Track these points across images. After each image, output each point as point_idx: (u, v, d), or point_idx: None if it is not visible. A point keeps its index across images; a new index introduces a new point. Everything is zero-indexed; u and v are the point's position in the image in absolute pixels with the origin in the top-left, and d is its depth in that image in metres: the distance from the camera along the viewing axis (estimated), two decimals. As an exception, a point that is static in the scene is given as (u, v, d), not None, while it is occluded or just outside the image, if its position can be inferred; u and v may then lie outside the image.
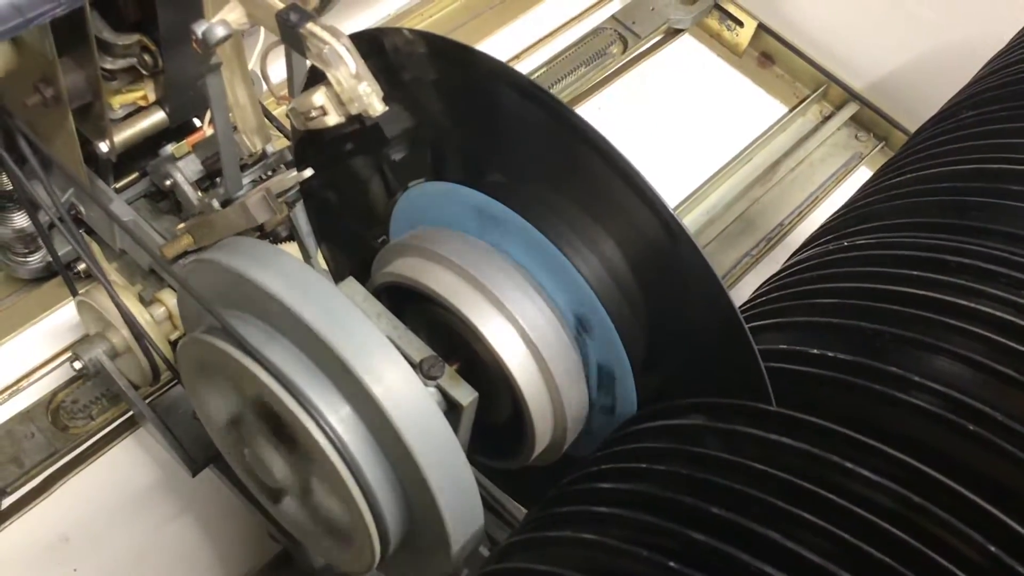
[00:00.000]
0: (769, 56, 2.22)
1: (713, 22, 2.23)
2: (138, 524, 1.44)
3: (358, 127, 0.96)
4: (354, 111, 0.88)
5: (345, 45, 0.86)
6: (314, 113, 0.89)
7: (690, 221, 1.89)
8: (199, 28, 0.95)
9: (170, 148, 1.37)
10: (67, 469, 1.46)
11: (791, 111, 2.13)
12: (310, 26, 0.87)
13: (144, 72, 1.30)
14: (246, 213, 1.13)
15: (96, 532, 1.43)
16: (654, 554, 0.73)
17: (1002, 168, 1.04)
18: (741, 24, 2.19)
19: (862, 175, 2.04)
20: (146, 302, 1.35)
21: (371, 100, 0.86)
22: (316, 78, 0.91)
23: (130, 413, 1.49)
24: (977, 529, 0.70)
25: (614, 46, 2.14)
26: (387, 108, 0.88)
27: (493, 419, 0.99)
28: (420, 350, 0.93)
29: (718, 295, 0.82)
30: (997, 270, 0.89)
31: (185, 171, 1.36)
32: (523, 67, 2.06)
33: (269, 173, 1.35)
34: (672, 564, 0.71)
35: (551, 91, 0.86)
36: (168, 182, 1.37)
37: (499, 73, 0.87)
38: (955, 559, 0.70)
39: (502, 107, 0.89)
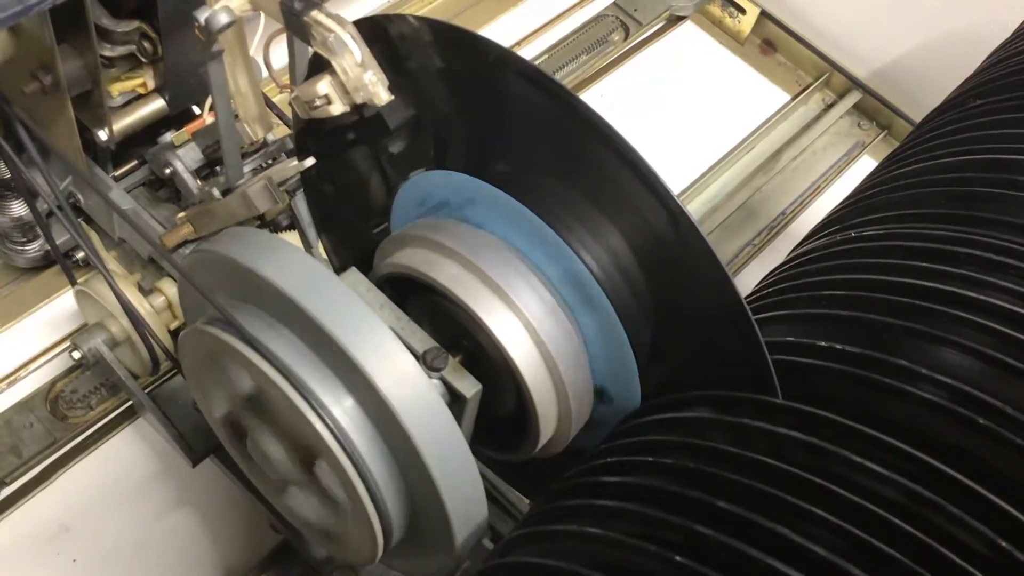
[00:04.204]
0: (771, 44, 2.20)
1: (715, 9, 2.22)
2: (138, 514, 1.44)
3: (361, 116, 0.95)
4: (359, 100, 0.87)
5: (350, 33, 0.84)
6: (318, 102, 0.88)
7: (692, 210, 1.88)
8: (202, 15, 0.93)
9: (169, 136, 1.36)
10: (66, 459, 1.45)
11: (793, 99, 2.12)
12: (315, 14, 0.86)
13: (143, 59, 1.29)
14: (247, 202, 1.12)
15: (96, 522, 1.42)
16: (660, 548, 0.72)
17: (1011, 159, 1.03)
18: (743, 11, 2.18)
19: (865, 164, 2.04)
20: (145, 291, 1.34)
21: (376, 89, 0.85)
22: (319, 66, 0.90)
23: (129, 403, 1.48)
24: (987, 523, 0.70)
25: (616, 33, 2.13)
26: (392, 97, 0.87)
27: (497, 411, 0.99)
28: (423, 341, 0.93)
29: (725, 287, 0.82)
30: (1006, 261, 0.89)
31: (185, 159, 1.34)
32: (524, 54, 2.04)
33: (270, 162, 1.35)
34: (678, 558, 0.71)
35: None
36: (167, 170, 1.35)
37: (506, 60, 0.86)
38: (965, 554, 0.69)
39: (508, 95, 0.88)
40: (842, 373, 0.84)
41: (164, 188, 1.45)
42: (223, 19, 0.93)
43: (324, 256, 1.29)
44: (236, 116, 1.15)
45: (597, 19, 2.14)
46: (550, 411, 0.95)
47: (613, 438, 0.92)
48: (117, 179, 1.42)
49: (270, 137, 1.30)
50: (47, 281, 1.58)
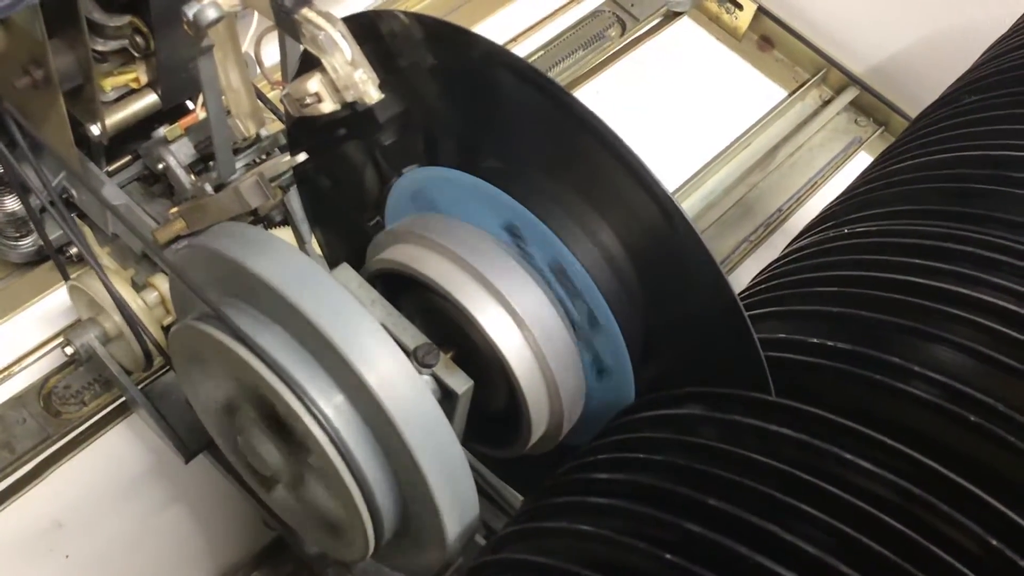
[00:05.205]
0: (769, 40, 2.20)
1: (712, 5, 2.21)
2: (131, 510, 1.44)
3: (352, 112, 0.95)
4: (350, 98, 0.86)
5: (341, 31, 0.84)
6: (309, 100, 0.87)
7: (688, 206, 1.88)
8: (190, 10, 0.93)
9: (163, 131, 1.35)
10: (60, 455, 1.45)
11: (790, 95, 2.11)
12: (305, 11, 0.85)
13: (136, 54, 1.28)
14: (239, 197, 1.12)
15: (89, 518, 1.42)
16: (650, 546, 0.72)
17: (1004, 155, 1.02)
18: (740, 7, 2.17)
19: (862, 160, 2.03)
20: (139, 287, 1.33)
21: (367, 87, 0.85)
22: (309, 63, 0.90)
23: (123, 399, 1.48)
24: (978, 522, 0.70)
25: (612, 29, 2.12)
26: (383, 95, 0.86)
27: (489, 408, 0.98)
28: (415, 338, 0.92)
29: (719, 284, 0.81)
30: (999, 258, 0.88)
31: (178, 154, 1.34)
32: (520, 50, 2.04)
33: (263, 157, 1.34)
34: (668, 556, 0.71)
35: (548, 74, 0.85)
36: (161, 165, 1.35)
37: (499, 57, 0.85)
38: (956, 552, 0.69)
39: (501, 92, 0.88)
40: (834, 370, 0.84)
41: (159, 183, 1.44)
42: (211, 14, 0.93)
43: (319, 252, 1.29)
44: (228, 111, 1.15)
45: (593, 15, 2.13)
46: (542, 407, 0.95)
47: (606, 434, 0.92)
48: (110, 174, 1.41)
49: (263, 132, 1.30)
50: (40, 276, 1.57)
